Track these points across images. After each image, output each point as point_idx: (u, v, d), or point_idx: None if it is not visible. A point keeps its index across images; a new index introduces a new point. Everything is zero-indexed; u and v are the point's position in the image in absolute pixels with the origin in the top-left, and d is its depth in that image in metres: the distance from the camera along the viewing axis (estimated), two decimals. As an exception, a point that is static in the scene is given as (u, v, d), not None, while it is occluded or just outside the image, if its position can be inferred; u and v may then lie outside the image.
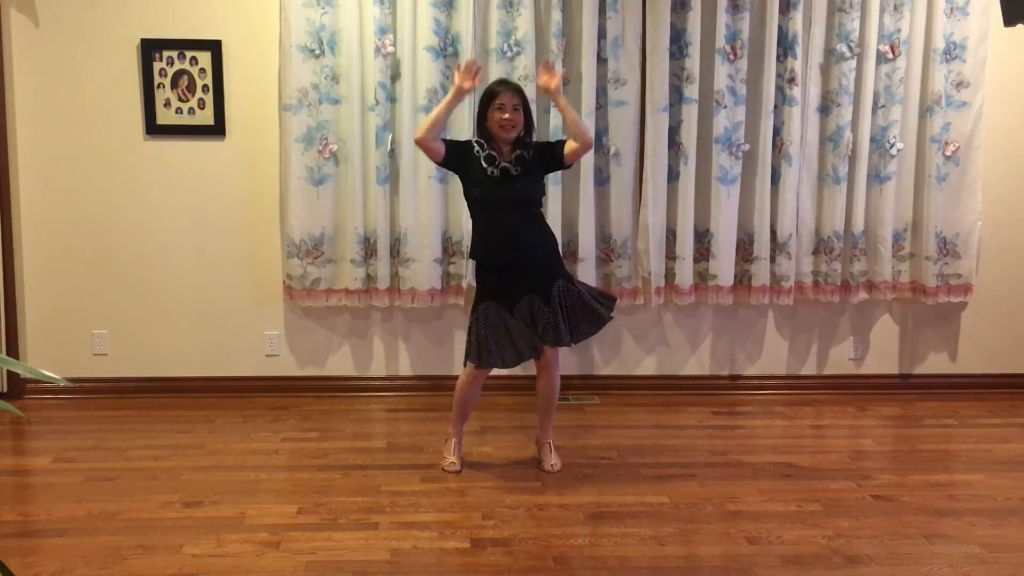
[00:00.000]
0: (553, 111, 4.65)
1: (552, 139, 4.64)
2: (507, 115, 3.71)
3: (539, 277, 3.78)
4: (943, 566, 3.06)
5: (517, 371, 4.32)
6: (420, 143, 3.74)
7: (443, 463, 3.91)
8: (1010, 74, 4.99)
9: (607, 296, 4.00)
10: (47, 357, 4.86)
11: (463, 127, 4.65)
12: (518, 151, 3.79)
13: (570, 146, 3.76)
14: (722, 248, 4.88)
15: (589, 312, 3.85)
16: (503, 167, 3.74)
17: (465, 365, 3.86)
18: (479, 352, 3.75)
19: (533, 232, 3.81)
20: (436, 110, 3.77)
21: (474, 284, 3.97)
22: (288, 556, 3.09)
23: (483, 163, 3.74)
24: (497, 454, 4.12)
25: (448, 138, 3.89)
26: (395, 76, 4.69)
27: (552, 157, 3.82)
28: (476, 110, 3.91)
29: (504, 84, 3.84)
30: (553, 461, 3.92)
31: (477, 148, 3.78)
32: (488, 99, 3.77)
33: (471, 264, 4.53)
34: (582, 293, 3.86)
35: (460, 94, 3.76)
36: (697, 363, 5.15)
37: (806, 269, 4.99)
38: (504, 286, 3.76)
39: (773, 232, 4.92)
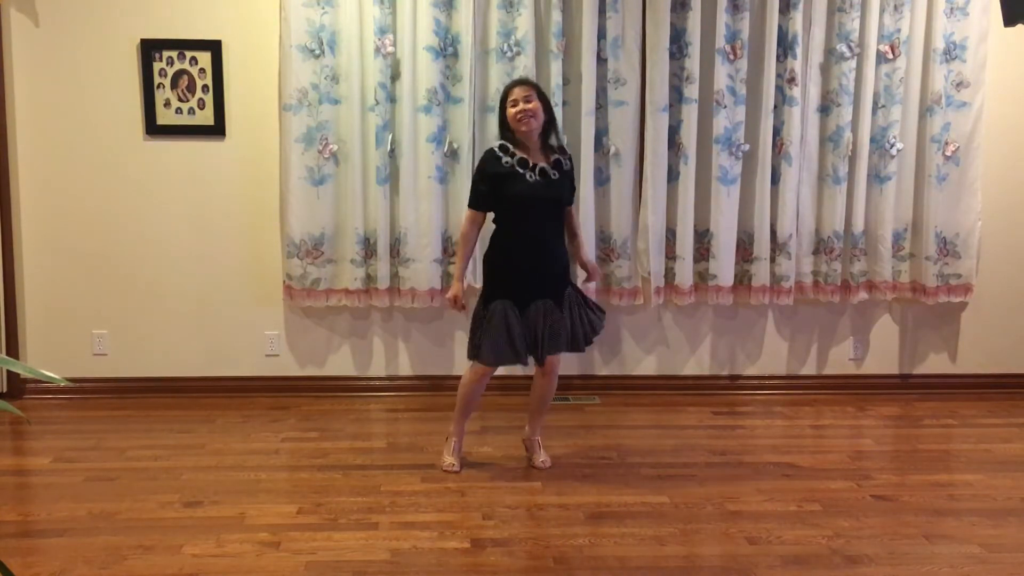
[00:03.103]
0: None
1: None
2: (519, 106, 3.69)
3: (556, 282, 3.79)
4: (943, 566, 3.06)
5: (517, 371, 4.32)
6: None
7: (442, 464, 3.90)
8: (1010, 74, 4.99)
9: (598, 308, 4.00)
10: (47, 357, 4.86)
11: (462, 128, 4.66)
12: (555, 156, 3.80)
13: (569, 221, 3.92)
14: (722, 248, 4.88)
15: (589, 321, 3.87)
16: (542, 168, 3.74)
17: (470, 361, 3.83)
18: (493, 351, 3.71)
19: (559, 238, 3.84)
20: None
21: (475, 284, 3.93)
22: (288, 556, 3.09)
23: (518, 168, 3.71)
24: (497, 454, 4.12)
25: (482, 187, 3.77)
26: (395, 76, 4.69)
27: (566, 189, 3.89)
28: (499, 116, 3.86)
29: (517, 82, 3.85)
30: (543, 458, 3.94)
31: (504, 158, 3.72)
32: (503, 99, 3.77)
33: (477, 264, 4.49)
34: (583, 301, 3.88)
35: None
36: (697, 363, 5.15)
37: (806, 269, 4.99)
38: (522, 286, 3.73)
39: (773, 232, 4.92)
